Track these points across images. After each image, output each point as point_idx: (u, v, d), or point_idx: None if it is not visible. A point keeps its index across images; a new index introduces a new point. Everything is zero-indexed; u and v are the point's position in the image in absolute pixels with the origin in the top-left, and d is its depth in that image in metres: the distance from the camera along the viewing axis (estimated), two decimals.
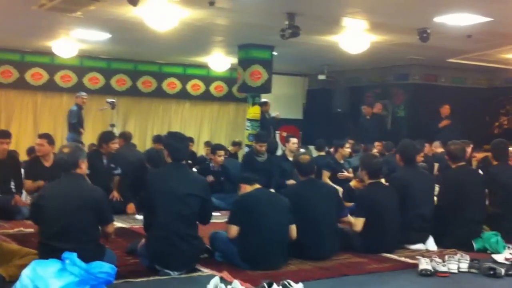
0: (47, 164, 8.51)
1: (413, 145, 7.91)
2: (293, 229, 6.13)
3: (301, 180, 6.74)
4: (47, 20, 10.89)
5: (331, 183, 10.05)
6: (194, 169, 10.46)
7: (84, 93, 13.60)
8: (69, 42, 13.51)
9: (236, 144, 14.31)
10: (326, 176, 10.41)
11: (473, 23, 10.10)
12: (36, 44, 14.17)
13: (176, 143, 5.82)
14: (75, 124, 13.03)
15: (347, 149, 10.89)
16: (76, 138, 12.52)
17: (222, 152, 10.69)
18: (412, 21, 10.25)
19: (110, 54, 15.84)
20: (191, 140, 13.42)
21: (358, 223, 6.76)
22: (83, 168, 5.30)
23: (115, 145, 9.43)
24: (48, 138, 8.67)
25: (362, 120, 15.44)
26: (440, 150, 11.93)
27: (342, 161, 10.81)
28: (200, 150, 14.11)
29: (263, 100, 15.03)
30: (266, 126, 14.73)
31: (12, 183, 8.66)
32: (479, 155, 10.78)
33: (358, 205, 6.99)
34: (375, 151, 11.13)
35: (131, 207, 9.01)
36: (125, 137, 11.50)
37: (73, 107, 13.33)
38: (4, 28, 12.14)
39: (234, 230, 5.93)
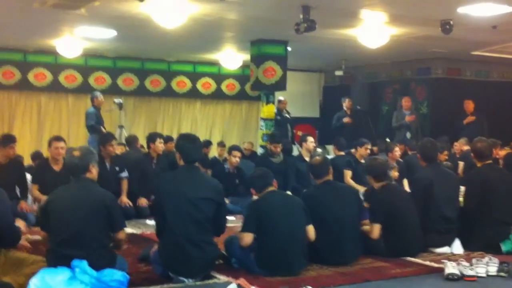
0: (57, 167, 8.61)
1: (434, 143, 7.86)
2: (310, 229, 6.15)
3: (318, 183, 6.74)
4: (50, 17, 10.94)
5: (353, 183, 10.13)
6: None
7: (99, 93, 13.55)
8: (73, 41, 13.53)
9: (250, 144, 14.38)
10: (348, 176, 10.43)
11: (498, 14, 10.07)
12: (39, 43, 14.22)
13: (188, 144, 5.86)
14: (94, 126, 13.03)
15: (366, 150, 10.87)
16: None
17: (238, 153, 10.74)
18: (434, 12, 10.23)
19: (116, 52, 15.88)
20: (209, 143, 13.52)
21: (374, 229, 6.78)
22: (94, 172, 5.36)
23: (113, 148, 9.52)
24: (64, 140, 8.86)
25: (340, 115, 15.21)
26: (466, 147, 11.82)
27: (362, 161, 10.82)
28: (213, 151, 14.13)
29: (279, 98, 15.03)
30: (283, 125, 14.73)
31: (17, 189, 8.75)
32: (502, 153, 10.68)
33: (374, 210, 7.01)
34: (397, 150, 11.07)
35: (142, 200, 9.38)
36: (128, 142, 11.72)
37: (89, 109, 13.30)
38: (5, 26, 12.17)
39: (248, 237, 5.93)
